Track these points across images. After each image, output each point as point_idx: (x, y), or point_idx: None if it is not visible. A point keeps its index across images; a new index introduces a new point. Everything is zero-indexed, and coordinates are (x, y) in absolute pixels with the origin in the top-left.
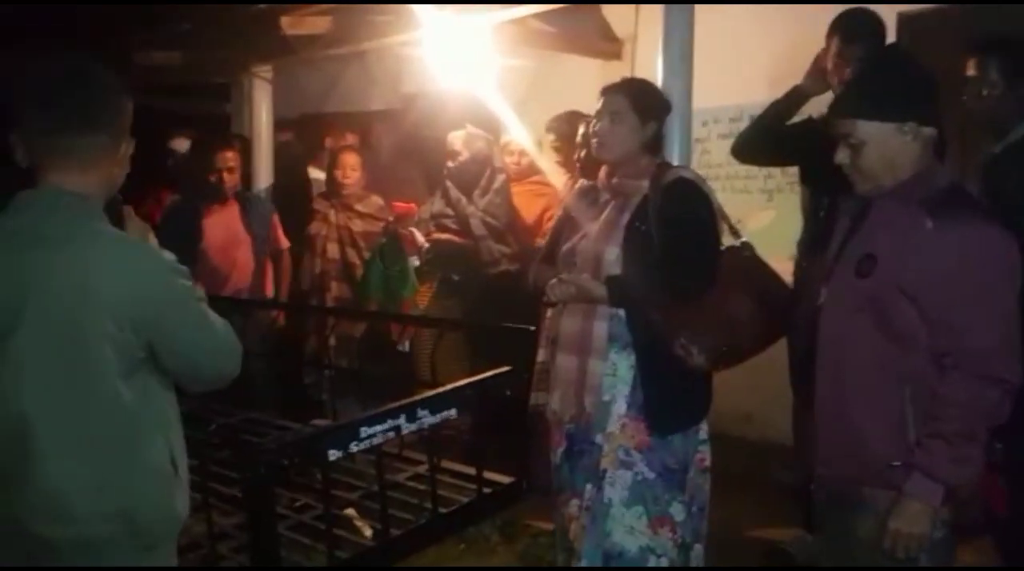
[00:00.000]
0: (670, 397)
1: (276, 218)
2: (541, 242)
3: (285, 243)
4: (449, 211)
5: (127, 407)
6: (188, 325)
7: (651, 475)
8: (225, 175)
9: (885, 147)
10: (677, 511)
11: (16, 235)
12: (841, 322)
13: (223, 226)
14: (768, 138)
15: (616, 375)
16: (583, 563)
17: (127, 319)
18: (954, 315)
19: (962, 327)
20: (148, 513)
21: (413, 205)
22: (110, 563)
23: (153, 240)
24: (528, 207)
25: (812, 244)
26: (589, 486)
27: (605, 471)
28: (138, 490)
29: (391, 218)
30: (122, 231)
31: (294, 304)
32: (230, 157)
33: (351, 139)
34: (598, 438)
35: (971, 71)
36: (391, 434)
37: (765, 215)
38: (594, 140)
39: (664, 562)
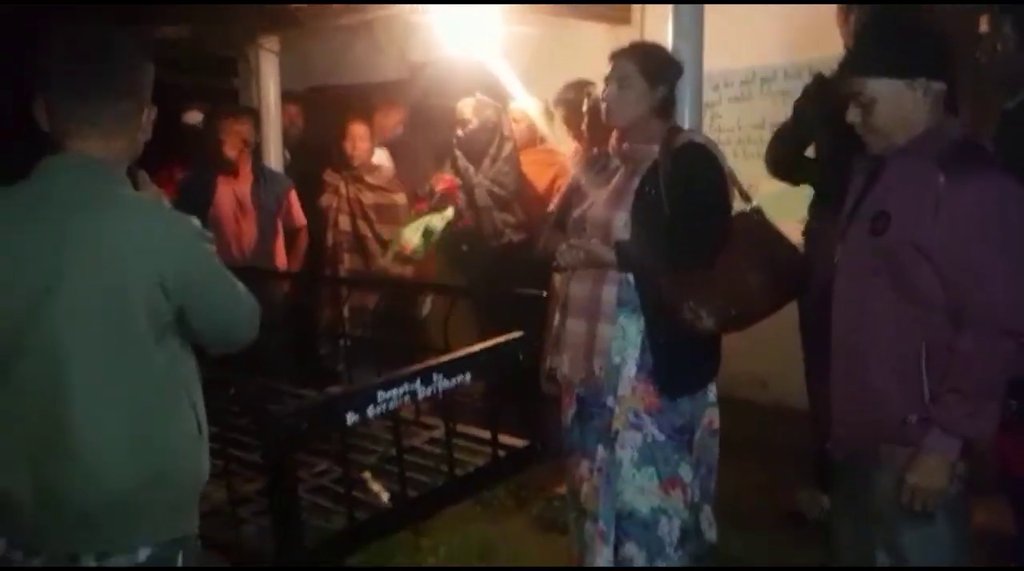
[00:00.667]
0: (679, 360)
1: (293, 194)
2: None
3: (302, 220)
4: (457, 181)
5: (159, 370)
6: (215, 288)
7: (661, 437)
8: (240, 146)
9: (896, 104)
10: (685, 472)
11: (47, 201)
12: (856, 281)
13: (233, 197)
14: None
15: (625, 339)
16: (599, 524)
17: (159, 283)
18: (969, 270)
19: (977, 281)
20: (180, 474)
21: (454, 180)
22: (145, 525)
23: (168, 206)
24: (538, 176)
25: (824, 206)
26: (601, 448)
27: (617, 432)
28: (171, 452)
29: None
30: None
31: (306, 274)
32: (245, 129)
33: (396, 116)
34: (609, 401)
35: (984, 27)
36: (407, 399)
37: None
38: (603, 106)
39: (676, 523)
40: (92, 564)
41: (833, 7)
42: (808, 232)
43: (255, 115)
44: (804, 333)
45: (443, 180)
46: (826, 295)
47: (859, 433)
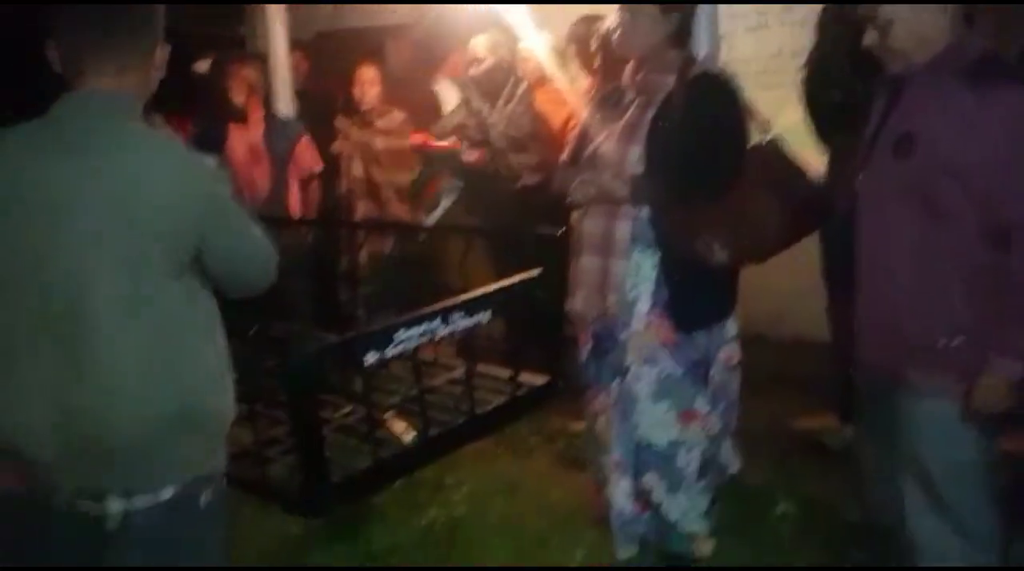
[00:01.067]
0: (694, 295)
1: (306, 140)
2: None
3: (317, 166)
4: (470, 122)
5: (180, 308)
6: (231, 228)
7: (677, 371)
8: (247, 92)
9: (914, 23)
10: (702, 404)
11: (67, 135)
12: (881, 205)
13: (244, 145)
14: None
15: (639, 274)
16: (615, 455)
17: (175, 220)
18: (1008, 186)
19: (1018, 197)
20: (205, 411)
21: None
22: (170, 463)
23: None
24: (552, 115)
25: (846, 135)
26: (616, 382)
27: (629, 367)
28: (195, 389)
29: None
30: None
31: (322, 221)
32: (251, 74)
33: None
34: (622, 336)
35: None
36: (426, 338)
37: (796, 111)
38: (615, 36)
39: (695, 454)
40: (117, 502)
41: None
42: (830, 161)
43: (261, 61)
44: (827, 264)
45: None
46: (850, 223)
47: (887, 358)
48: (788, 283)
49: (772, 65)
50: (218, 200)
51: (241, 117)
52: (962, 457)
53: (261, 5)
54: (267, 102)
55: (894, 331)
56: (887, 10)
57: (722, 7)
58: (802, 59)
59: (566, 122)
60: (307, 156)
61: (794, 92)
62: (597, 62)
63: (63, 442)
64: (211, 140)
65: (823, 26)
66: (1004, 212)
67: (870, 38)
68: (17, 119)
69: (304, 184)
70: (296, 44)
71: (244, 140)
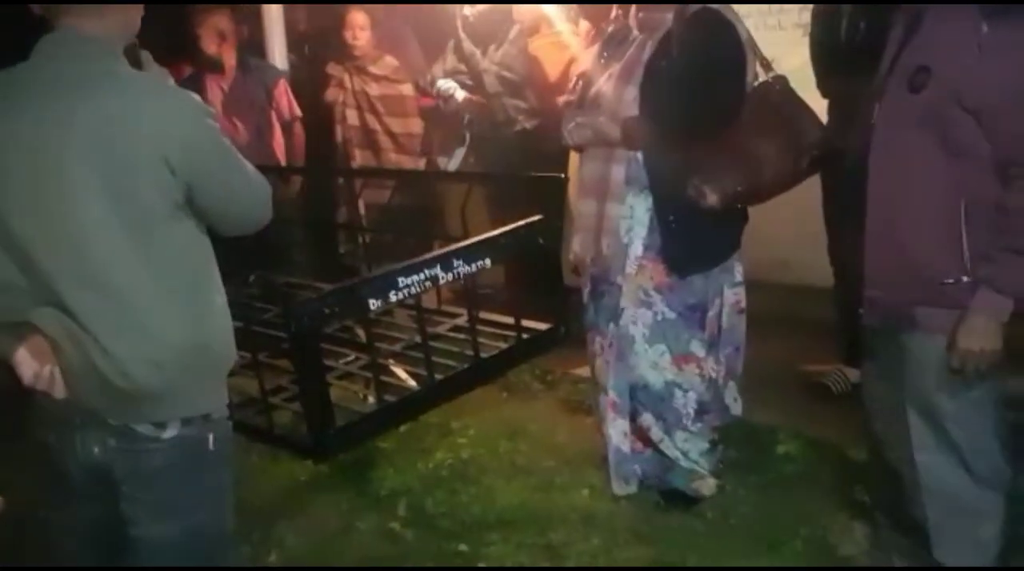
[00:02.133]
0: (687, 238)
1: (283, 85)
2: (567, 97)
3: (296, 112)
4: (463, 67)
5: (177, 246)
6: (222, 165)
7: (671, 314)
8: (218, 41)
9: None
10: (697, 348)
11: (46, 80)
12: (895, 139)
13: (220, 94)
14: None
15: (633, 218)
16: (610, 395)
17: (161, 160)
18: (1015, 117)
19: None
20: (217, 345)
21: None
22: (179, 400)
23: (172, 84)
24: (552, 60)
25: (852, 73)
26: (612, 324)
27: (624, 309)
28: (206, 323)
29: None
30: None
31: (318, 168)
32: (221, 21)
33: None
34: (618, 279)
35: None
36: (428, 284)
37: (800, 51)
38: None
39: (692, 396)
40: (129, 436)
41: None
42: (832, 105)
43: (230, 8)
44: (828, 207)
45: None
46: (859, 161)
47: (895, 295)
48: (793, 229)
49: (776, 6)
50: (205, 137)
51: (216, 66)
52: (969, 394)
53: None
54: (241, 48)
55: (903, 267)
56: None
57: None
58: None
59: (567, 67)
60: (284, 101)
61: (797, 34)
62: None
63: (88, 381)
64: (194, 84)
65: None
66: (1011, 145)
67: None
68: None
69: (285, 129)
70: None
71: (220, 89)
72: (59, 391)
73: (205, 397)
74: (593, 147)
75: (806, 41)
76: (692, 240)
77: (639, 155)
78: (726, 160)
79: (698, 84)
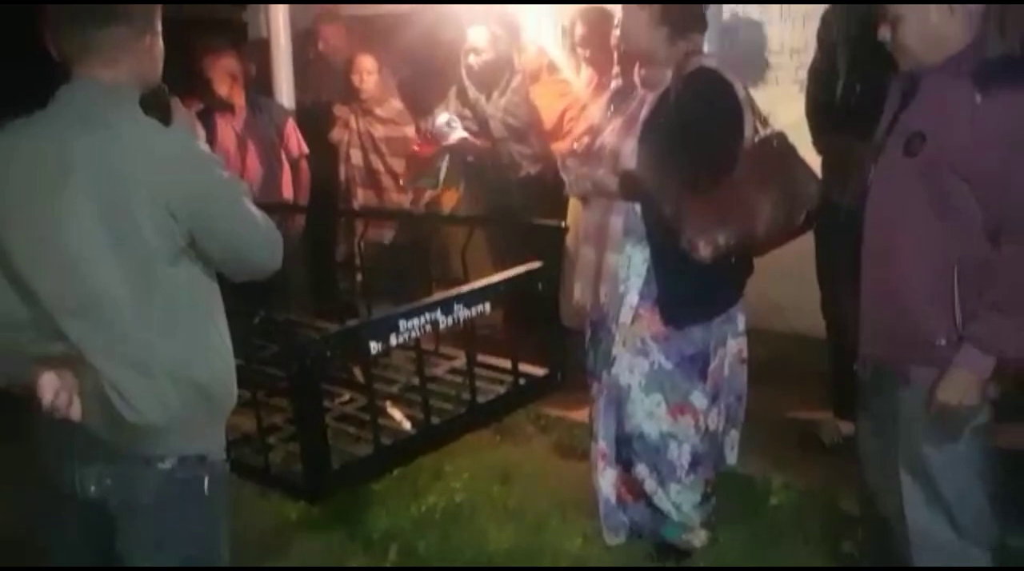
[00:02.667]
0: (682, 289)
1: (291, 124)
2: (561, 143)
3: (304, 150)
4: (466, 112)
5: (178, 289)
6: (226, 212)
7: (668, 364)
8: (229, 82)
9: (924, 22)
10: (698, 399)
11: (55, 124)
12: (891, 202)
13: (232, 133)
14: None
15: (630, 267)
16: (600, 445)
17: (165, 203)
18: (1006, 186)
19: (1016, 198)
20: (216, 388)
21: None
22: (175, 438)
23: (200, 132)
24: (548, 108)
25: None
26: (605, 372)
27: (619, 358)
28: (207, 366)
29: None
30: (169, 121)
31: (321, 207)
32: (230, 63)
33: None
34: (613, 328)
35: None
36: (428, 328)
37: (797, 107)
38: (617, 34)
39: (686, 448)
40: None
41: None
42: (827, 158)
43: (238, 49)
44: (821, 261)
45: (417, 143)
46: (852, 218)
47: (889, 353)
48: (788, 276)
49: (773, 61)
50: (208, 184)
51: (226, 107)
52: (960, 453)
53: None
54: (250, 88)
55: (897, 326)
56: (897, 6)
57: (725, 5)
58: (803, 55)
59: (562, 115)
60: (293, 140)
61: (794, 88)
62: (616, 57)
63: (94, 411)
64: (204, 122)
65: (826, 24)
66: (1001, 210)
67: (883, 32)
68: (27, 109)
69: (293, 167)
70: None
71: (232, 128)
72: (75, 414)
73: (202, 438)
74: (594, 197)
75: (802, 97)
76: (688, 291)
77: (637, 206)
78: (720, 214)
79: (693, 140)
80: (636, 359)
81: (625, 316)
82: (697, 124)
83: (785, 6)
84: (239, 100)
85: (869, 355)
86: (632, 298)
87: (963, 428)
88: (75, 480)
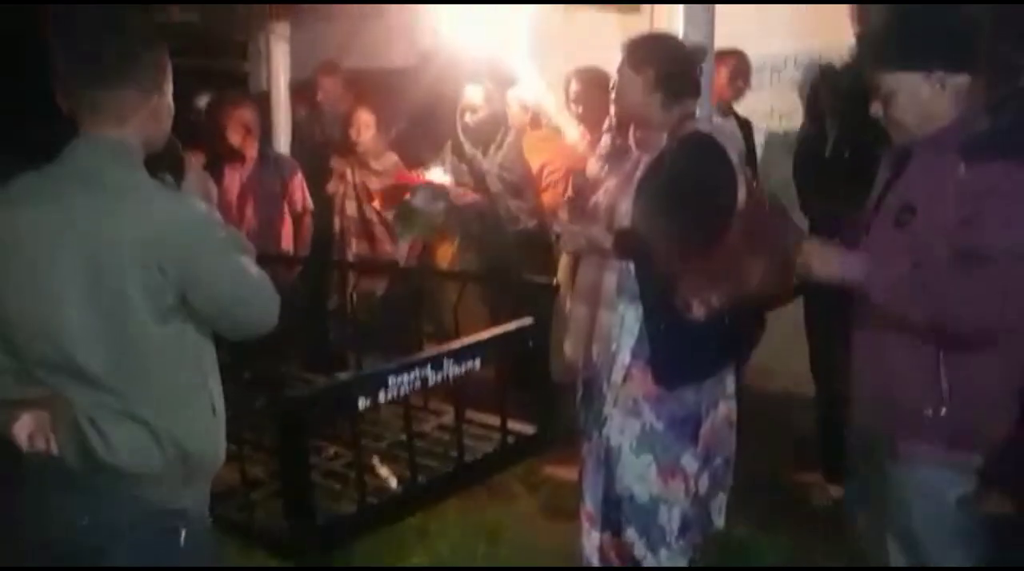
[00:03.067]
0: (675, 350)
1: (299, 178)
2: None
3: (308, 205)
4: (463, 167)
5: (165, 348)
6: (218, 272)
7: (660, 426)
8: (243, 133)
9: (914, 97)
10: (689, 462)
11: (57, 179)
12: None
13: (238, 183)
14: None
15: (623, 326)
16: (587, 507)
17: (153, 262)
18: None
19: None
20: (200, 450)
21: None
22: (154, 491)
23: (213, 189)
24: (536, 155)
25: (833, 200)
26: (596, 432)
27: (611, 418)
28: (190, 428)
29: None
30: (182, 177)
31: (315, 259)
32: (247, 114)
33: None
34: (604, 387)
35: None
36: (418, 384)
37: (786, 169)
38: (612, 97)
39: (676, 511)
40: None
41: None
42: (815, 220)
43: (257, 101)
44: (810, 325)
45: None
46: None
47: (877, 423)
48: (778, 337)
49: (763, 125)
50: (203, 245)
51: (236, 157)
52: (949, 527)
53: (266, 43)
54: (266, 139)
55: (885, 398)
56: (889, 81)
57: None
58: (792, 120)
59: (540, 170)
60: (299, 194)
61: (782, 151)
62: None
63: (75, 454)
64: (212, 174)
65: (815, 91)
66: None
67: (875, 108)
68: (36, 163)
69: (296, 220)
70: (297, 81)
71: (238, 178)
72: (54, 450)
73: (182, 494)
74: (588, 254)
75: (791, 156)
76: (680, 352)
77: (631, 265)
78: (714, 274)
79: (687, 203)
80: (627, 419)
81: (617, 375)
82: (691, 187)
83: (776, 73)
84: (251, 151)
85: (860, 424)
86: (624, 357)
87: (950, 499)
88: (58, 517)
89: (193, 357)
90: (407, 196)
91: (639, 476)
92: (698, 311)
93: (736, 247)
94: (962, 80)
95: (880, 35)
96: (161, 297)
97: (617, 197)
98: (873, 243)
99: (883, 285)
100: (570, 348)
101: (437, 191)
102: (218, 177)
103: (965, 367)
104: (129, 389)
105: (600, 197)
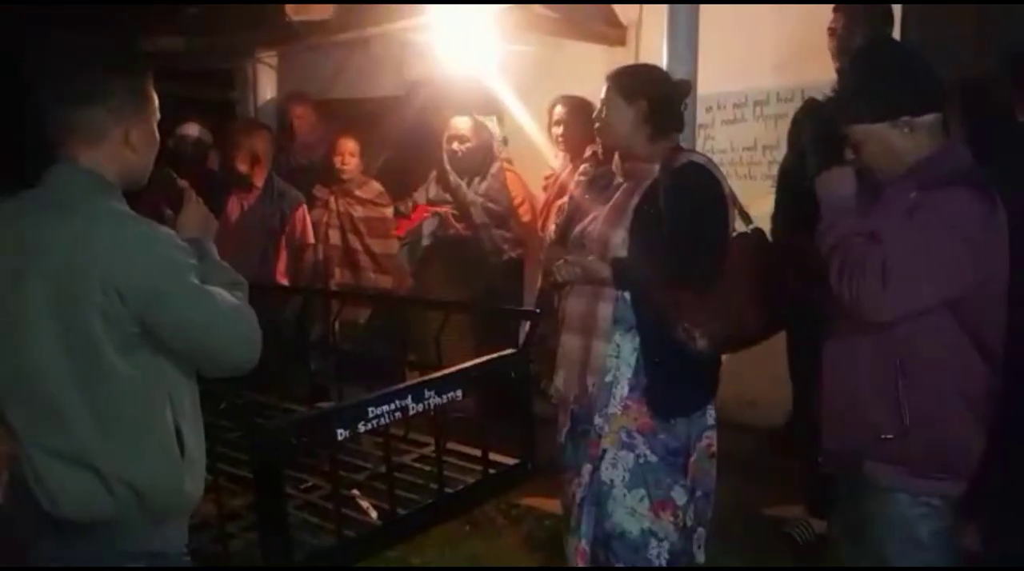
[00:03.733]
0: (673, 381)
1: (302, 211)
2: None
3: (309, 238)
4: (447, 197)
5: (127, 381)
6: (180, 300)
7: (653, 458)
8: (250, 162)
9: (883, 144)
10: (679, 495)
11: (32, 205)
12: None
13: (239, 212)
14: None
15: (620, 357)
16: (581, 543)
17: (113, 289)
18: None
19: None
20: (157, 491)
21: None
22: (119, 536)
23: (213, 224)
24: (516, 184)
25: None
26: (588, 466)
27: (605, 451)
28: (146, 467)
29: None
30: (181, 209)
31: (299, 288)
32: (257, 143)
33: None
34: (597, 419)
35: None
36: (398, 414)
37: (769, 201)
38: (597, 126)
39: (665, 546)
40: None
41: (822, 35)
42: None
43: (269, 130)
44: (792, 358)
45: (418, 209)
46: (819, 315)
47: (846, 449)
48: (762, 370)
49: (747, 157)
50: (165, 273)
51: (244, 185)
52: (925, 561)
53: (253, 72)
54: (271, 170)
55: (850, 422)
56: (858, 132)
57: (700, 102)
58: (775, 152)
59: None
60: (300, 227)
61: (766, 184)
62: (596, 146)
63: (28, 512)
64: (211, 204)
65: (797, 125)
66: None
67: (848, 153)
68: (13, 189)
69: (297, 253)
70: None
71: (241, 207)
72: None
73: (154, 536)
74: (580, 284)
75: (774, 192)
76: (677, 383)
77: (627, 295)
78: (713, 305)
79: (687, 234)
80: (621, 452)
81: (615, 407)
82: (689, 218)
83: (759, 106)
84: (258, 181)
85: (830, 450)
86: (623, 389)
87: (924, 533)
88: (30, 554)
89: (161, 391)
90: (412, 226)
91: (631, 510)
92: (700, 342)
93: (732, 279)
94: (929, 118)
95: (846, 90)
96: (121, 326)
97: (610, 226)
98: None
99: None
100: (561, 380)
101: (445, 222)
102: (222, 205)
103: (925, 393)
104: (89, 425)
105: (589, 226)
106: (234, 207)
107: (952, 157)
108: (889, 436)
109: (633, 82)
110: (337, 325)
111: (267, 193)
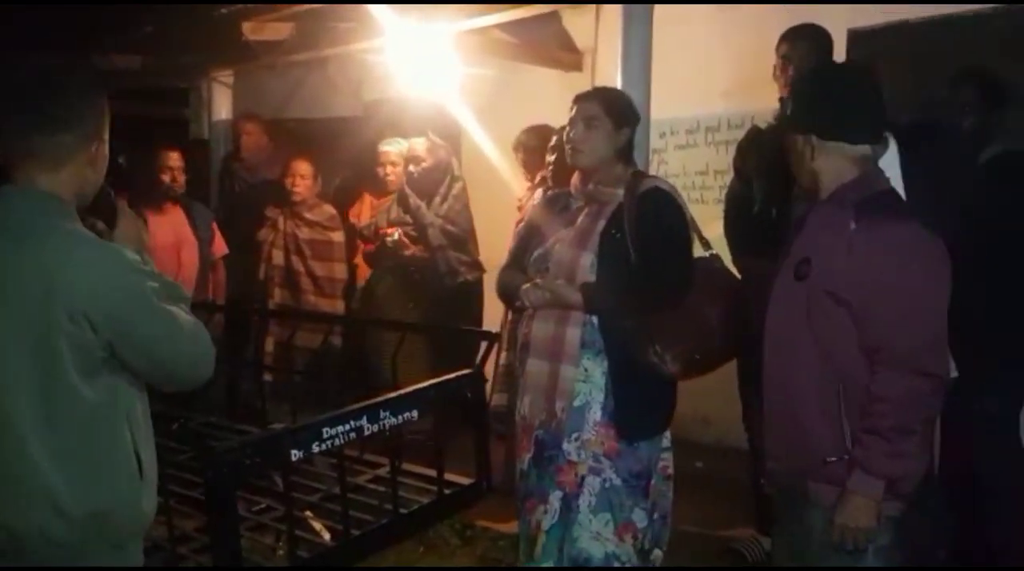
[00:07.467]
0: (641, 404)
1: (215, 225)
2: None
3: (222, 250)
4: (407, 218)
5: (90, 405)
6: (148, 323)
7: (617, 481)
8: (172, 175)
9: (800, 157)
10: (639, 517)
11: None
12: (783, 323)
13: (169, 226)
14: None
15: (589, 381)
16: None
17: (82, 315)
18: (883, 313)
19: (890, 323)
20: (118, 513)
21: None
22: (81, 562)
23: (146, 235)
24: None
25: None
26: (558, 493)
27: (584, 477)
28: (107, 490)
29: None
30: (116, 224)
31: (245, 308)
32: (174, 158)
33: None
34: (566, 444)
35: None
36: (353, 435)
37: (719, 224)
38: (568, 147)
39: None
40: None
41: (771, 61)
42: (745, 278)
43: (182, 147)
44: (742, 377)
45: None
46: (761, 338)
47: (789, 470)
48: (714, 386)
49: (699, 181)
50: (130, 293)
51: (164, 199)
52: (865, 568)
53: (208, 90)
54: (204, 185)
55: (792, 443)
56: (799, 142)
57: (654, 127)
58: (726, 176)
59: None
60: (216, 240)
61: (718, 209)
62: (549, 163)
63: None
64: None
65: (741, 152)
66: (876, 336)
67: (788, 159)
68: None
69: (213, 268)
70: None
71: (168, 221)
72: None
73: (115, 559)
74: (547, 308)
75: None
76: (644, 406)
77: (594, 319)
78: (681, 328)
79: (655, 257)
80: (588, 477)
81: (588, 432)
82: (657, 242)
83: (710, 132)
84: (175, 196)
85: (773, 471)
86: (595, 413)
87: (865, 547)
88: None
89: (122, 412)
90: (385, 235)
91: (596, 534)
92: (672, 366)
93: (698, 302)
94: (861, 150)
95: (790, 100)
96: (88, 351)
97: (577, 250)
98: (777, 295)
99: None
100: (527, 406)
101: (399, 243)
102: (145, 221)
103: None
104: (48, 452)
105: (551, 250)
106: (161, 222)
107: (880, 184)
108: (832, 459)
109: (623, 108)
110: (270, 344)
111: (194, 209)
